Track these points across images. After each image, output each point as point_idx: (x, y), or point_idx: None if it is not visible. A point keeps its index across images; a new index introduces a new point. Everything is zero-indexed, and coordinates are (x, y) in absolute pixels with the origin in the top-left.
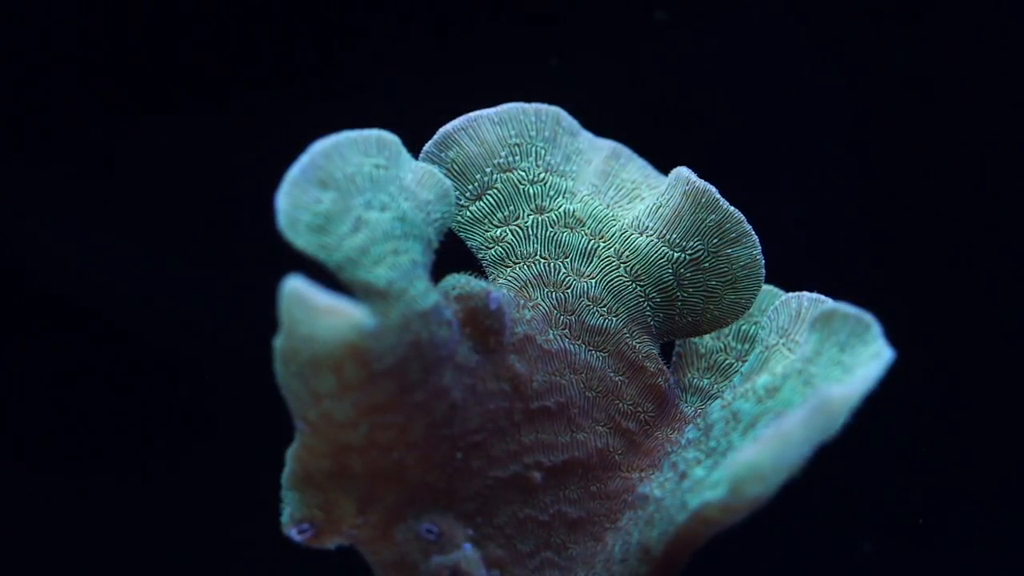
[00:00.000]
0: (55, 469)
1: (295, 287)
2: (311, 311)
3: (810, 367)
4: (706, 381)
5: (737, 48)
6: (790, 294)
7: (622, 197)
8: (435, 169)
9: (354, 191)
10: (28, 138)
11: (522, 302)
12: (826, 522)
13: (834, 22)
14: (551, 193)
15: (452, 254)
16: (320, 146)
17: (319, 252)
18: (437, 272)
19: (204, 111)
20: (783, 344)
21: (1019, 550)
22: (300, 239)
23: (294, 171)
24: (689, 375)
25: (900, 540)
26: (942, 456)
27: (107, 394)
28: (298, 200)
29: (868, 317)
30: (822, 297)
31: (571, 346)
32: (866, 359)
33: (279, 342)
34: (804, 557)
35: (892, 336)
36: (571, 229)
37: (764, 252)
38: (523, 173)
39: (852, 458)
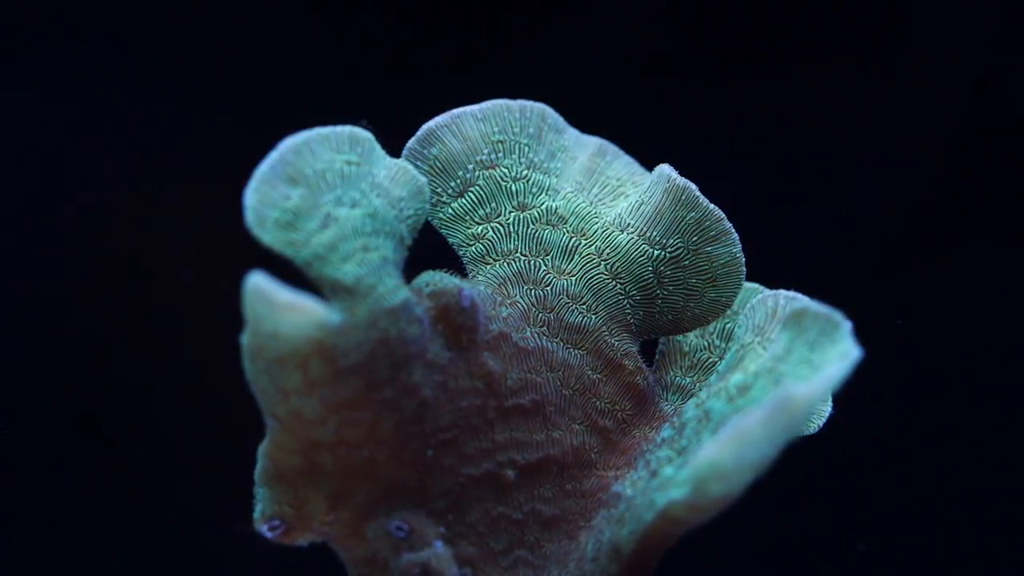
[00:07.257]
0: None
1: (257, 283)
2: (274, 308)
3: (780, 366)
4: (689, 379)
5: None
6: (768, 292)
7: (607, 194)
8: (409, 166)
9: (324, 187)
10: None
11: (499, 299)
12: (822, 522)
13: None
14: (534, 190)
15: (436, 251)
16: (290, 142)
17: (287, 249)
18: (421, 269)
19: None
20: (758, 342)
21: (1017, 550)
22: (268, 235)
23: (263, 167)
24: (672, 373)
25: (895, 540)
26: (938, 455)
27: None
28: (266, 196)
29: (838, 316)
30: (798, 295)
31: (548, 344)
32: (834, 358)
33: (245, 339)
34: (800, 557)
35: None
36: (553, 226)
37: (745, 251)
38: (506, 170)
39: (848, 458)
